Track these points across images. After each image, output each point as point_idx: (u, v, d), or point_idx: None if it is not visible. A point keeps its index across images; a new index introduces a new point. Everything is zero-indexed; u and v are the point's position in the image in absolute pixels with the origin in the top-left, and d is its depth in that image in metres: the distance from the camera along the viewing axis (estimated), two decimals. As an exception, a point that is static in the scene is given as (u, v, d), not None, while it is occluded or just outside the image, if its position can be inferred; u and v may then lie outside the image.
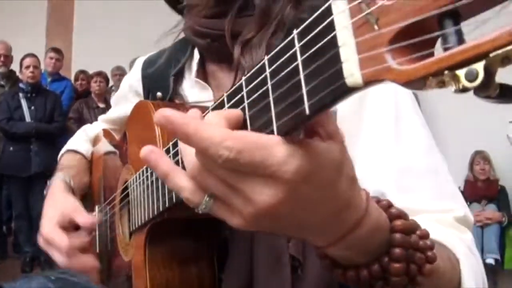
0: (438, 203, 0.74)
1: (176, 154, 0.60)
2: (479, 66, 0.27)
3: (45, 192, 1.05)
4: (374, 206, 0.53)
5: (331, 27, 0.35)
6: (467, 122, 5.20)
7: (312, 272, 0.76)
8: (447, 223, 0.72)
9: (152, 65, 1.02)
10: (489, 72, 0.28)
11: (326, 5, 0.35)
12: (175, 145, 0.61)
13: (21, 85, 4.65)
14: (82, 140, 1.21)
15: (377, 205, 0.54)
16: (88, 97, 5.50)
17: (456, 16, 0.29)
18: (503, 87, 0.29)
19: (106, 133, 1.14)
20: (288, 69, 0.40)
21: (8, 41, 5.17)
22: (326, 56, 0.36)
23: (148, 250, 0.82)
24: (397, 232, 0.53)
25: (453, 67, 0.28)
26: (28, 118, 4.53)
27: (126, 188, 0.91)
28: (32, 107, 4.56)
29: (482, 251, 4.64)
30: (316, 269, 0.76)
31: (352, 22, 0.33)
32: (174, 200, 0.65)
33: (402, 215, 0.55)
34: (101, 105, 5.33)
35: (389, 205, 0.56)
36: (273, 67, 0.41)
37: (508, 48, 0.26)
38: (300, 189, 0.44)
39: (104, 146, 1.12)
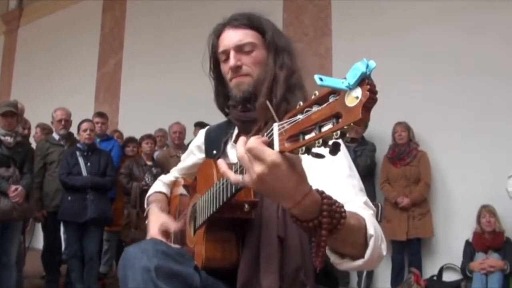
0: (354, 197, 1.30)
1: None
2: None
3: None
4: (314, 191, 1.05)
5: (271, 131, 0.99)
6: (474, 178, 5.39)
7: (290, 243, 1.34)
8: (358, 205, 1.26)
9: (211, 133, 1.71)
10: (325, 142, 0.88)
11: (274, 125, 0.99)
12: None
13: (78, 145, 5.14)
14: (161, 186, 1.86)
15: (316, 191, 1.05)
16: (137, 156, 6.03)
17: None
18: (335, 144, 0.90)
19: (184, 179, 1.80)
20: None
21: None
22: (271, 139, 0.99)
23: (205, 235, 1.39)
24: (324, 205, 1.04)
25: (300, 146, 0.92)
26: (84, 173, 4.99)
27: (194, 206, 1.52)
28: (88, 164, 5.01)
29: (486, 297, 4.87)
30: (294, 242, 1.34)
31: (278, 132, 0.97)
32: (220, 203, 1.25)
33: (328, 197, 1.06)
34: (149, 163, 5.85)
35: (322, 192, 1.06)
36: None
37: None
38: (275, 171, 0.96)
39: (180, 190, 1.77)
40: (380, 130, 5.72)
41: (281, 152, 0.97)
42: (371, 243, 1.15)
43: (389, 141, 5.70)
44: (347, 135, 0.84)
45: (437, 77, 5.67)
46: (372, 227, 1.17)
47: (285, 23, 6.65)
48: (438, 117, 5.63)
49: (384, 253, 1.20)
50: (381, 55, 5.58)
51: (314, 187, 1.07)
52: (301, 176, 1.03)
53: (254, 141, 0.98)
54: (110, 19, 9.18)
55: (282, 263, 1.33)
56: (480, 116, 5.43)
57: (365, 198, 1.32)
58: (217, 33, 1.61)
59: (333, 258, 1.19)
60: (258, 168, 0.98)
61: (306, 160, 1.36)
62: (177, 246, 1.51)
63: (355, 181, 1.38)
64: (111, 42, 9.03)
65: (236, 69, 1.54)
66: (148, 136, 6.07)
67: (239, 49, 1.54)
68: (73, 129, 5.62)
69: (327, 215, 1.04)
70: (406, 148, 5.54)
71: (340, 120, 0.84)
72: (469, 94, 5.50)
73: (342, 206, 1.08)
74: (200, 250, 1.40)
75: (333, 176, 1.35)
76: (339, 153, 1.35)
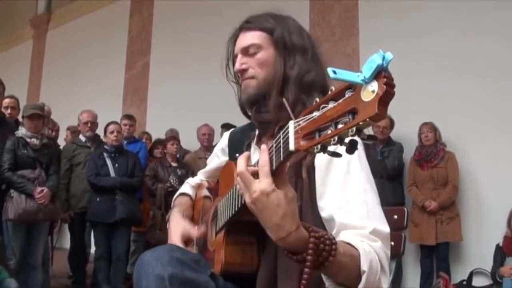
0: (361, 222, 1.21)
1: None
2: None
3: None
4: (302, 228, 1.07)
5: (287, 129, 0.96)
6: (504, 180, 5.26)
7: None
8: (362, 235, 1.19)
9: (235, 135, 1.70)
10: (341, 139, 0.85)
11: (289, 123, 0.96)
12: None
13: (106, 147, 5.19)
14: (188, 188, 1.84)
15: (304, 228, 1.07)
16: (163, 158, 6.04)
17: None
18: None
19: (207, 182, 1.80)
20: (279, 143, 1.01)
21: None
22: (285, 138, 0.97)
23: (225, 238, 1.36)
24: (311, 243, 1.05)
25: (315, 144, 0.89)
26: (112, 174, 5.03)
27: (215, 209, 1.49)
28: (116, 165, 5.05)
29: (516, 301, 4.75)
30: None
31: (294, 130, 0.94)
32: (239, 206, 1.23)
33: (315, 235, 1.06)
34: (174, 164, 5.85)
35: (311, 230, 1.07)
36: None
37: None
38: (265, 199, 1.03)
39: (204, 192, 1.77)
40: (406, 130, 5.63)
41: (297, 150, 0.95)
42: (363, 279, 1.14)
43: (415, 142, 5.59)
44: (364, 131, 0.80)
45: (465, 76, 5.55)
46: (367, 263, 1.15)
47: (312, 23, 6.59)
48: (466, 117, 5.51)
49: (385, 286, 1.19)
50: (409, 55, 5.52)
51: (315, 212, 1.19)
52: (289, 213, 1.06)
53: (244, 169, 1.07)
54: (137, 22, 9.25)
55: (302, 273, 1.30)
56: (510, 115, 5.30)
57: (374, 225, 1.22)
58: (234, 37, 1.58)
59: (328, 284, 1.19)
60: (247, 193, 1.07)
61: (321, 167, 1.34)
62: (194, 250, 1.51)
63: (370, 197, 1.27)
64: (138, 45, 9.10)
65: (241, 73, 1.51)
66: (173, 137, 6.09)
67: (245, 51, 1.50)
68: (100, 131, 5.67)
69: (313, 253, 1.05)
70: (433, 149, 5.41)
71: (356, 116, 0.80)
72: (499, 93, 5.38)
73: (333, 244, 1.08)
74: (220, 253, 1.38)
75: (346, 191, 1.27)
76: (355, 165, 1.33)
